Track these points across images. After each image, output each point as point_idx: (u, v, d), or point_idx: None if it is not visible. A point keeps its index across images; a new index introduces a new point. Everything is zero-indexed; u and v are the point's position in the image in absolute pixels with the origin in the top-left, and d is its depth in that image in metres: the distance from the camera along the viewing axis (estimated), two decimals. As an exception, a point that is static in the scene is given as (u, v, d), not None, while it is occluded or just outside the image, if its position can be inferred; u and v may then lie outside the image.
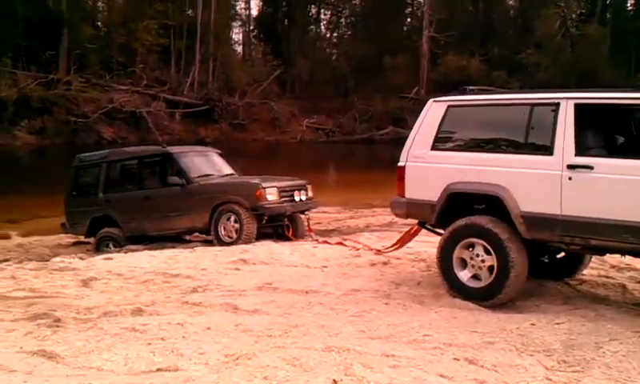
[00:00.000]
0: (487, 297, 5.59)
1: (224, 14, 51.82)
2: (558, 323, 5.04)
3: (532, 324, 5.03)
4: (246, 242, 9.50)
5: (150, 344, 4.70)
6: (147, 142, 21.85)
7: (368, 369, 4.13)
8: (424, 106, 6.52)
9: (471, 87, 6.61)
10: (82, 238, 11.73)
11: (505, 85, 36.72)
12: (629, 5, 51.62)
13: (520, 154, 5.69)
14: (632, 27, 44.29)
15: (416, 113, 6.89)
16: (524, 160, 5.61)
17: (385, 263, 7.58)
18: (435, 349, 4.53)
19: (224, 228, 9.96)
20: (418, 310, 5.54)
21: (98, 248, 10.86)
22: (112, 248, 10.64)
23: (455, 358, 4.34)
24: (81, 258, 8.74)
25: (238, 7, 59.62)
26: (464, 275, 5.78)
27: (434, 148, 6.17)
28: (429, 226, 6.56)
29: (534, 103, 5.75)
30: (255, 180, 10.39)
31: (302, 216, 10.79)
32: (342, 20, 63.92)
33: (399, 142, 6.42)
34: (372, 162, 27.79)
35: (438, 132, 6.18)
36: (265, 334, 4.91)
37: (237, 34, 60.98)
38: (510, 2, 58.03)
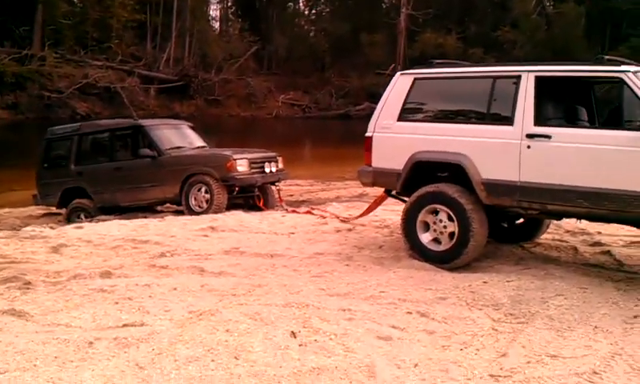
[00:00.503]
0: (445, 260, 5.81)
1: (202, -11, 51.27)
2: (508, 281, 5.28)
3: (484, 282, 5.27)
4: (217, 212, 9.62)
5: (117, 303, 4.87)
6: (121, 116, 21.72)
7: (325, 322, 4.37)
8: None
9: (438, 60, 6.77)
10: (53, 210, 11.78)
11: (480, 61, 36.85)
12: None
13: (482, 124, 5.87)
14: (607, 6, 44.42)
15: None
16: (486, 130, 5.80)
17: (350, 230, 7.78)
18: (390, 304, 4.76)
19: (195, 198, 10.09)
20: (377, 271, 5.74)
21: (69, 219, 10.90)
22: (83, 218, 10.71)
23: (408, 312, 4.58)
24: (51, 228, 8.77)
25: (216, -17, 59.01)
26: (425, 238, 5.99)
27: (400, 119, 6.32)
28: (394, 194, 6.75)
29: (496, 76, 5.93)
30: (226, 152, 10.52)
31: (273, 187, 10.96)
32: (322, -3, 63.41)
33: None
34: (347, 136, 27.81)
35: (405, 103, 6.34)
36: (229, 293, 5.08)
37: (214, 10, 60.37)
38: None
